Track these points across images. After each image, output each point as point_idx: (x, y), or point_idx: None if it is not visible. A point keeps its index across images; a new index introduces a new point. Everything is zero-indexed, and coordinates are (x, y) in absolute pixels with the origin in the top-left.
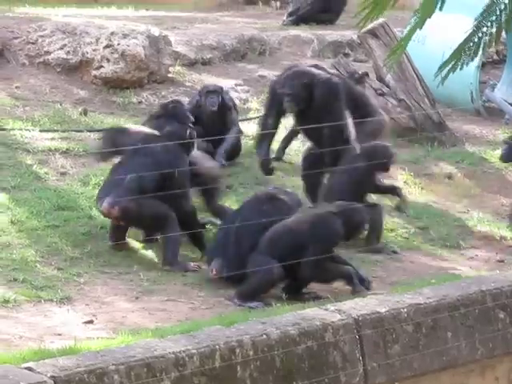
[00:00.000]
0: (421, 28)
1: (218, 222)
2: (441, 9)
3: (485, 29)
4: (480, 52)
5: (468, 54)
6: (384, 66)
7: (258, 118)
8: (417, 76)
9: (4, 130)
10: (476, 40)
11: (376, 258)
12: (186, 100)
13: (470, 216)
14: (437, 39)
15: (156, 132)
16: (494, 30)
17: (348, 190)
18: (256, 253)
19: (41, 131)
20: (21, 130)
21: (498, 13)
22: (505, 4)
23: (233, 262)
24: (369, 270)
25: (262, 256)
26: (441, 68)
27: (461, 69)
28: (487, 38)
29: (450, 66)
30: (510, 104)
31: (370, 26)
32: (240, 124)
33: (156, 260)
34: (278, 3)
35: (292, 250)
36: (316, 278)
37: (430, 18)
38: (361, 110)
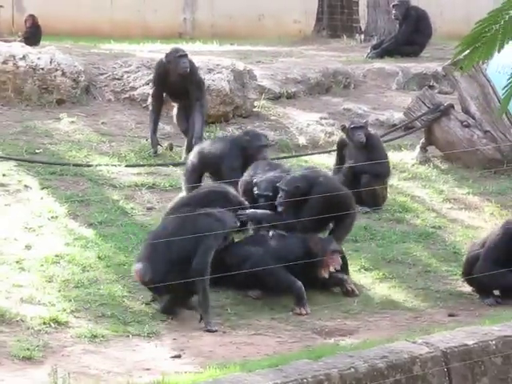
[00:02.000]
0: None
1: None
2: None
3: None
4: None
5: None
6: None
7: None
8: None
9: (90, 165)
10: None
11: (463, 290)
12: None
13: None
14: None
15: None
16: None
17: None
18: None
19: (127, 166)
20: (107, 165)
21: None
22: None
23: (157, 268)
24: (456, 302)
25: None
26: None
27: None
28: None
29: None
30: None
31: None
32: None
33: (242, 295)
34: (362, 36)
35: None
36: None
37: None
38: None
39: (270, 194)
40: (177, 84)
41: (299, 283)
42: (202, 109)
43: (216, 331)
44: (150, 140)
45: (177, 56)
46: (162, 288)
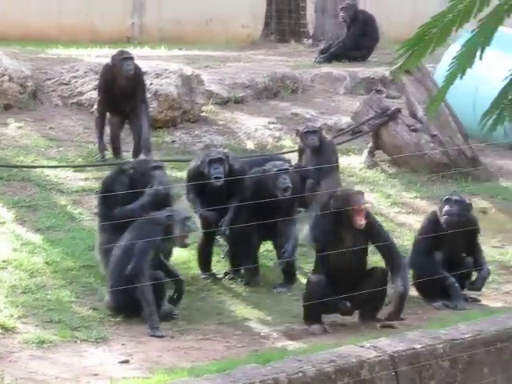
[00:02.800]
0: (461, 77)
1: None
2: (481, 58)
3: None
4: None
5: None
6: (424, 115)
7: (290, 152)
8: (449, 111)
9: (37, 167)
10: None
11: (411, 294)
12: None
13: (504, 251)
14: (469, 74)
15: None
16: None
17: None
18: None
19: (74, 171)
20: (55, 169)
21: None
22: None
23: (113, 292)
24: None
25: None
26: (485, 116)
27: (509, 121)
28: None
29: (495, 115)
30: None
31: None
32: None
33: (191, 299)
34: (310, 41)
35: None
36: None
37: (470, 67)
38: None
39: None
40: (123, 87)
41: None
42: (147, 112)
43: (162, 336)
44: (97, 145)
45: (121, 58)
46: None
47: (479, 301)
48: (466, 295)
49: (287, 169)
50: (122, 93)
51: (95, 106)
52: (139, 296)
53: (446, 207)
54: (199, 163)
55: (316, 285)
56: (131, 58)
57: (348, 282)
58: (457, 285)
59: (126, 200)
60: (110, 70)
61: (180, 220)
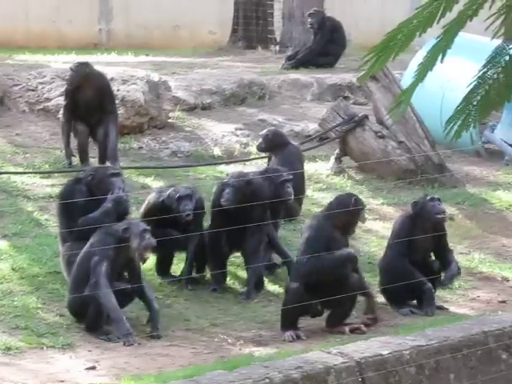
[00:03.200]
0: (422, 81)
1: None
2: (442, 61)
3: (491, 81)
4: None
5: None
6: (388, 119)
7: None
8: (416, 118)
9: (4, 173)
10: (483, 93)
11: (378, 301)
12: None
13: (471, 257)
14: (436, 80)
15: None
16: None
17: None
18: None
19: (41, 177)
20: (21, 175)
21: (503, 64)
22: (510, 56)
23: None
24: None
25: None
26: (449, 123)
27: (474, 127)
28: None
29: (460, 121)
30: (509, 145)
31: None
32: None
33: (158, 305)
34: (277, 47)
35: None
36: None
37: (431, 70)
38: None
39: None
40: (89, 96)
41: None
42: (115, 121)
43: (132, 344)
44: (64, 151)
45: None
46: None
47: (446, 309)
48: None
49: (190, 194)
50: (86, 104)
51: (61, 111)
52: (101, 304)
53: (436, 206)
54: (165, 198)
55: (295, 292)
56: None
57: (328, 288)
58: (433, 291)
59: (86, 209)
60: (76, 79)
61: (138, 233)
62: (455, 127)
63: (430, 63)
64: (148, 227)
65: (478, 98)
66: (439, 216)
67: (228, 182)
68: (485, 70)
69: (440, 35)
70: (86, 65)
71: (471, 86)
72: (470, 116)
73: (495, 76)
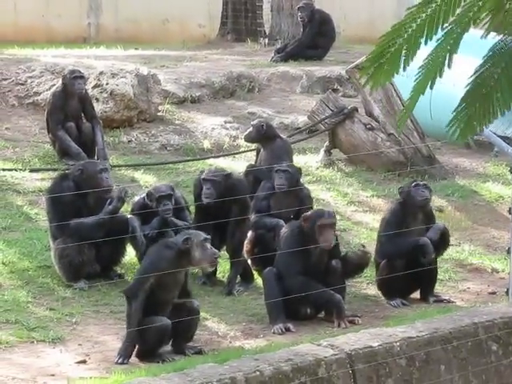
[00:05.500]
0: (431, 87)
1: None
2: (449, 66)
3: (492, 83)
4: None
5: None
6: (394, 130)
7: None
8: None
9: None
10: (484, 94)
11: (369, 293)
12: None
13: (461, 249)
14: None
15: None
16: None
17: None
18: None
19: (31, 171)
20: (11, 170)
21: (503, 65)
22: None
23: None
24: (361, 305)
25: None
26: (451, 126)
27: (481, 131)
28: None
29: (463, 125)
30: (498, 137)
31: (358, 61)
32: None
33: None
34: (266, 40)
35: None
36: None
37: (440, 77)
38: None
39: None
40: (75, 105)
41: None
42: (99, 125)
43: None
44: (71, 150)
45: (72, 77)
46: None
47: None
48: (429, 299)
49: (170, 194)
50: (72, 111)
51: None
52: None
53: (420, 190)
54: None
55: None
56: (82, 77)
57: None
58: (429, 242)
59: (75, 204)
60: (61, 89)
61: (198, 243)
62: (458, 130)
63: (436, 68)
64: (208, 236)
65: (480, 99)
66: (420, 198)
67: (206, 178)
68: (482, 70)
69: (440, 38)
70: (71, 72)
71: (469, 87)
72: (474, 119)
73: (495, 77)
